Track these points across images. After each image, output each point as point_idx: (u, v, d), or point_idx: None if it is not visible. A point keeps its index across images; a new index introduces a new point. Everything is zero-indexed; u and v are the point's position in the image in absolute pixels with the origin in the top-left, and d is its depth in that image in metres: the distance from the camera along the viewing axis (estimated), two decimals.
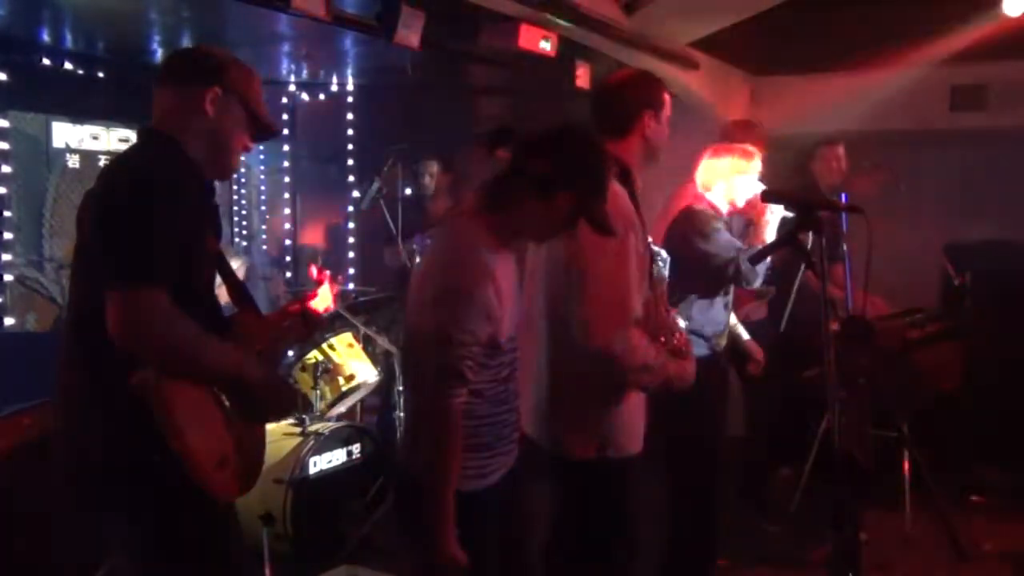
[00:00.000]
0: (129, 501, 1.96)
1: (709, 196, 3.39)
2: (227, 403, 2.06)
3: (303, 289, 4.32)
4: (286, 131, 6.98)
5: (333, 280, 2.52)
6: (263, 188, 7.53)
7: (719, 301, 3.39)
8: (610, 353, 2.33)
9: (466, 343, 2.03)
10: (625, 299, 2.38)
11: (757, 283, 3.36)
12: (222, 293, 2.24)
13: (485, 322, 2.05)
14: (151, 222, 1.88)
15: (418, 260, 4.79)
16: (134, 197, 1.91)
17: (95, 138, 5.83)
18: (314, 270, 2.53)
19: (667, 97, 2.68)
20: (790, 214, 3.19)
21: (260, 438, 2.23)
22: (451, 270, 2.10)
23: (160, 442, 1.88)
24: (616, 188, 2.42)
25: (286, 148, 7.23)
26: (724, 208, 3.40)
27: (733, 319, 3.67)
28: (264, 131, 2.22)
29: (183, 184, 1.99)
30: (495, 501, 2.22)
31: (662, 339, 2.50)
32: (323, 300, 2.45)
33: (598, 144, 2.21)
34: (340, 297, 4.84)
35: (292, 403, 2.44)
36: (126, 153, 2.14)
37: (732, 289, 3.46)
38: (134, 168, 2.00)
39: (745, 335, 3.82)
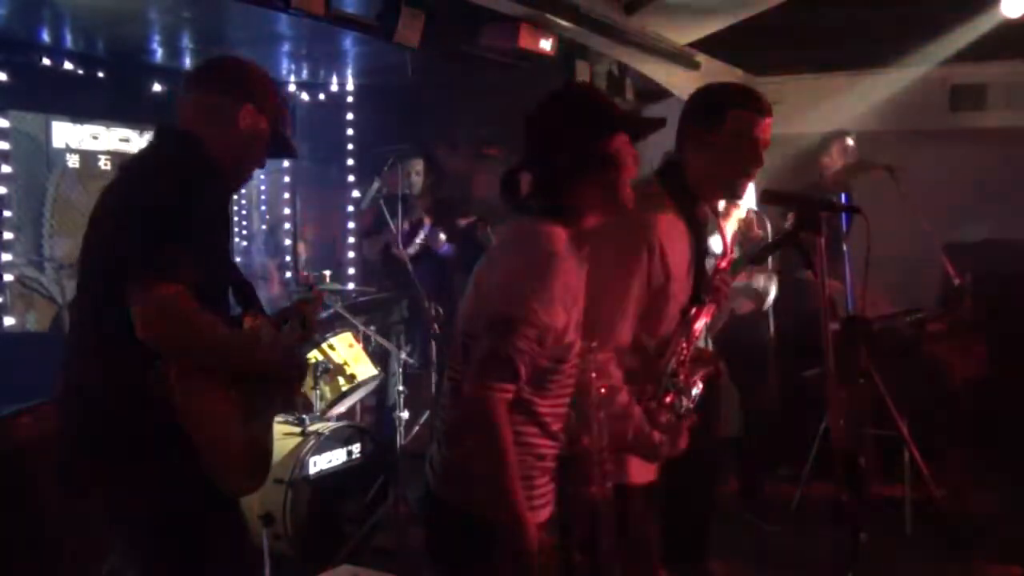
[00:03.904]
0: (146, 498, 1.96)
1: None
2: (241, 400, 2.07)
3: (301, 293, 4.33)
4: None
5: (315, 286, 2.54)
6: (263, 188, 7.53)
7: None
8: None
9: (528, 335, 1.81)
10: (611, 323, 2.16)
11: None
12: None
13: (560, 311, 1.86)
14: (177, 219, 1.89)
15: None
16: (162, 193, 1.92)
17: (95, 138, 5.83)
18: (303, 274, 2.56)
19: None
20: None
21: (269, 436, 2.24)
22: (529, 255, 1.90)
23: (179, 438, 1.89)
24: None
25: None
26: None
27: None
28: (285, 154, 2.27)
29: (207, 185, 2.01)
30: (545, 543, 1.96)
31: (655, 400, 2.25)
32: (315, 304, 2.50)
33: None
34: (340, 297, 4.85)
35: (303, 371, 2.43)
36: (151, 149, 2.16)
37: None
38: (162, 165, 2.01)
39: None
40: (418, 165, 5.52)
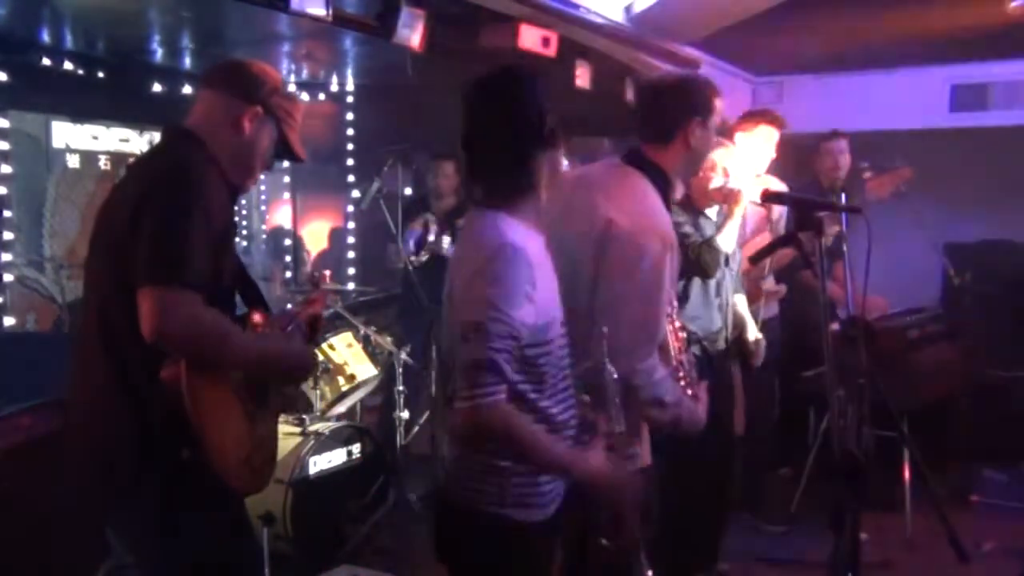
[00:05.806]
0: (151, 497, 1.96)
1: None
2: (248, 400, 2.08)
3: (304, 290, 4.34)
4: None
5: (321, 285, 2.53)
6: (263, 188, 7.53)
7: (713, 303, 3.40)
8: (630, 381, 2.18)
9: (501, 334, 1.77)
10: (653, 323, 2.28)
11: (717, 275, 3.34)
12: None
13: (526, 303, 1.81)
14: (187, 221, 1.89)
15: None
16: (172, 195, 1.92)
17: (95, 138, 5.83)
18: (312, 273, 2.56)
19: (718, 103, 2.50)
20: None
21: (274, 435, 2.24)
22: (481, 254, 1.85)
23: (188, 437, 1.89)
24: (654, 202, 2.36)
25: None
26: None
27: (748, 315, 3.70)
28: (291, 158, 2.27)
29: (215, 186, 2.01)
30: (553, 539, 2.01)
31: (681, 375, 2.39)
32: (320, 304, 2.51)
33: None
34: (340, 297, 4.85)
35: (312, 364, 2.45)
36: (160, 149, 2.17)
37: (725, 292, 3.45)
38: (171, 166, 2.01)
39: (754, 335, 3.78)
40: (449, 167, 5.44)
